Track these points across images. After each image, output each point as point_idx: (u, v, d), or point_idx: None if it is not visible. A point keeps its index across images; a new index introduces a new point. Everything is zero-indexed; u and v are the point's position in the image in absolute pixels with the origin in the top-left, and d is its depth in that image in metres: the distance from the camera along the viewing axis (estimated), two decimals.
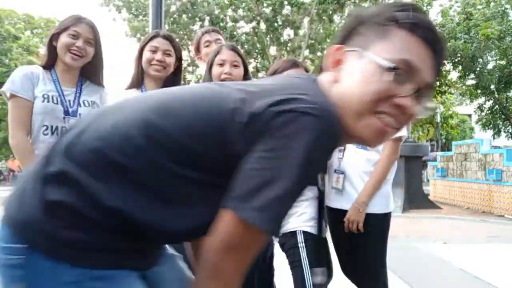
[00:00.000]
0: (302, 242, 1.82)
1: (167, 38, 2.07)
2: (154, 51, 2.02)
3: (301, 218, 1.87)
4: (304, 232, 1.85)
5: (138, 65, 2.08)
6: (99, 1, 19.86)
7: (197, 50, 2.50)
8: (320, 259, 1.85)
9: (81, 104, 2.00)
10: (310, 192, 1.93)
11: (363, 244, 1.95)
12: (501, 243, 6.03)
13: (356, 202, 1.92)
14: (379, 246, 1.97)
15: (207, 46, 2.43)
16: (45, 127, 1.91)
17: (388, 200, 2.02)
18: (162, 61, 2.02)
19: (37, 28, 27.81)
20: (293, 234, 1.86)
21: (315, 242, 1.87)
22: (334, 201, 2.03)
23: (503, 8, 17.84)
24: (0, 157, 24.99)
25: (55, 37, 1.96)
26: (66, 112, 1.94)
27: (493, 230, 7.23)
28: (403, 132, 2.00)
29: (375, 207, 1.96)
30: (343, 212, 1.99)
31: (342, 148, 2.02)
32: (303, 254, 1.80)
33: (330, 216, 2.03)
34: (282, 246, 1.93)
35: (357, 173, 1.98)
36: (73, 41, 1.93)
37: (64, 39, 1.94)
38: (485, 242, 6.18)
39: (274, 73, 1.97)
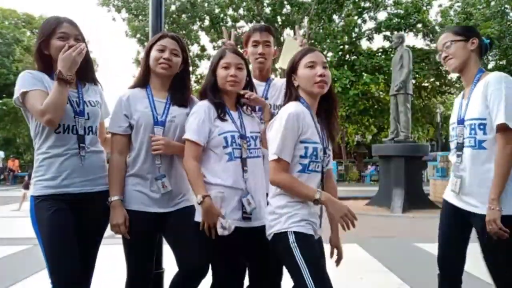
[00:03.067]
0: (294, 242, 1.76)
1: (175, 38, 2.11)
2: (162, 50, 2.05)
3: (291, 219, 1.80)
4: (295, 233, 1.78)
5: (145, 65, 2.10)
6: (98, 1, 19.87)
7: (245, 45, 2.46)
8: (315, 256, 1.79)
9: (87, 103, 2.01)
10: None
11: (496, 246, 1.95)
12: None
13: (488, 202, 1.91)
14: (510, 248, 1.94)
15: (254, 46, 2.37)
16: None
17: None
18: (169, 60, 2.05)
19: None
20: (283, 235, 1.79)
21: (308, 241, 1.80)
22: (452, 199, 2.13)
23: (503, 8, 17.84)
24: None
25: (43, 44, 1.94)
26: (75, 112, 1.95)
27: None
28: (504, 119, 1.87)
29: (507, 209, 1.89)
30: (459, 209, 2.09)
31: (460, 153, 2.04)
32: (297, 253, 1.74)
33: (449, 211, 2.17)
34: (273, 250, 1.86)
35: (473, 179, 1.98)
36: (64, 42, 1.91)
37: (55, 43, 1.92)
38: None
39: (293, 62, 1.92)
